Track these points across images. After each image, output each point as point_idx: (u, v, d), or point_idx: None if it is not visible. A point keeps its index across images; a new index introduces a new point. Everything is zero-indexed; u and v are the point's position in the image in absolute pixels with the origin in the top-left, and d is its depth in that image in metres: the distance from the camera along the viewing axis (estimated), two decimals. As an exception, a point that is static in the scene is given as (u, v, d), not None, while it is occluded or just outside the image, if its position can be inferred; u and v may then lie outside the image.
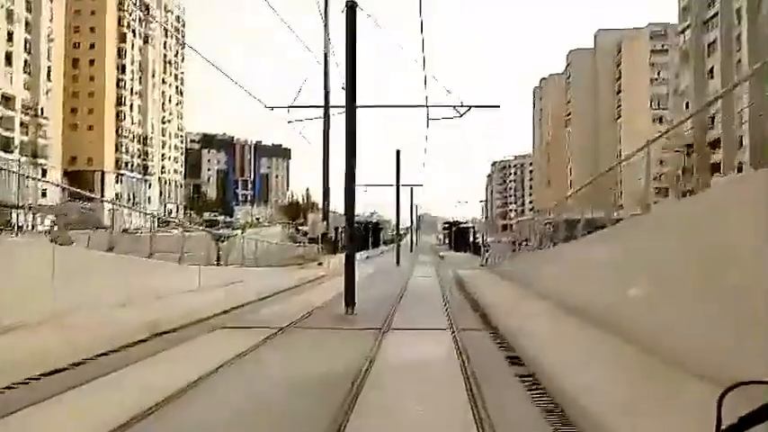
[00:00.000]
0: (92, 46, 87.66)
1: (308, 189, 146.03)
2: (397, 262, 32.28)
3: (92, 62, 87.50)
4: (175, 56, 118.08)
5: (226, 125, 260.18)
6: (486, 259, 31.71)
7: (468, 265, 31.79)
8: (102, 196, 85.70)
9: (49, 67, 72.89)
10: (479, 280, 19.87)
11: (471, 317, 12.03)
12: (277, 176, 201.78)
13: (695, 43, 64.42)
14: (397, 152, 30.39)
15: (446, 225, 67.83)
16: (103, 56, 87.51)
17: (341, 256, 38.98)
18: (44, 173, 73.60)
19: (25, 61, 68.50)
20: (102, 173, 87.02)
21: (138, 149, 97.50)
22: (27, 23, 68.79)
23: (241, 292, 14.82)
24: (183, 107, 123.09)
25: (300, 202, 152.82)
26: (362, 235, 60.46)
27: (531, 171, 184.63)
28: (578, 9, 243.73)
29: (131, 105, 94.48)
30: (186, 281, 14.21)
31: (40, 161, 71.58)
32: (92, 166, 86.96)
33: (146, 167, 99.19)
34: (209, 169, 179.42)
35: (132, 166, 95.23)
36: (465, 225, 52.75)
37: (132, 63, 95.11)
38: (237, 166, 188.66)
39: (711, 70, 60.49)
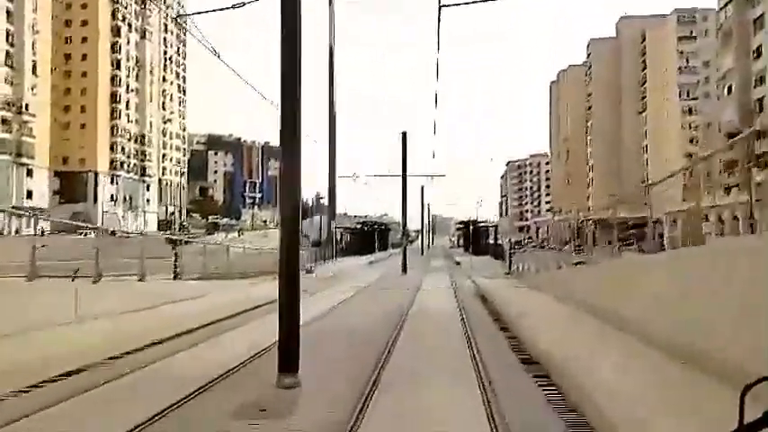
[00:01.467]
0: (84, 40, 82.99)
1: (318, 192, 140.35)
2: (404, 269, 26.68)
3: (84, 57, 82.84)
4: (177, 52, 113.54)
5: (233, 126, 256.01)
6: (513, 266, 25.95)
7: (490, 273, 26.10)
8: (95, 198, 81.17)
9: (34, 62, 68.19)
10: (513, 296, 14.16)
11: (519, 377, 6.47)
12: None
13: (737, 20, 58.00)
14: (403, 135, 24.81)
15: (460, 225, 61.61)
16: (96, 50, 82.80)
17: (340, 264, 33.41)
18: (29, 173, 69.00)
19: (6, 53, 63.74)
20: (96, 174, 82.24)
21: (136, 149, 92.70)
22: (8, 13, 64.07)
23: (126, 328, 9.19)
24: (186, 106, 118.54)
25: (310, 203, 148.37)
26: (369, 237, 54.96)
27: (547, 171, 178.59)
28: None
29: (127, 103, 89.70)
30: (46, 308, 8.69)
31: (25, 161, 66.80)
32: (84, 166, 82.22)
33: (143, 168, 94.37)
34: (215, 171, 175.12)
35: (129, 166, 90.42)
36: (483, 224, 46.80)
37: (128, 59, 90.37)
38: (245, 168, 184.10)
39: (758, 49, 54.12)
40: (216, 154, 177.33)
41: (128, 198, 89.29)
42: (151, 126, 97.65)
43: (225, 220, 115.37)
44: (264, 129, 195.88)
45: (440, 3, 10.60)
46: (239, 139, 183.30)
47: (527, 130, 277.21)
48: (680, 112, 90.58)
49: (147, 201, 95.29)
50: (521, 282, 19.72)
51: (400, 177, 25.61)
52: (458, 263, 37.13)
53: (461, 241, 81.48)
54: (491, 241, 44.25)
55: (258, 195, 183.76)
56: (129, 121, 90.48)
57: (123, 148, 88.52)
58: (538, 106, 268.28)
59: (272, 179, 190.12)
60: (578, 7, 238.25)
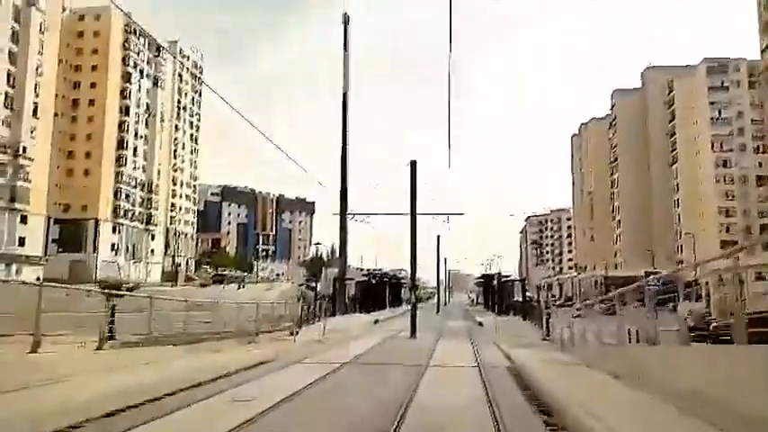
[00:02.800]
0: (92, 85, 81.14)
1: (333, 244, 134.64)
2: (413, 332, 21.35)
3: (92, 102, 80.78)
4: (191, 102, 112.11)
5: (247, 178, 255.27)
6: (550, 329, 20.62)
7: (521, 338, 20.76)
8: (95, 247, 77.25)
9: (35, 104, 65.70)
10: (565, 379, 8.95)
11: None
12: (300, 231, 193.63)
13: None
14: (413, 163, 20.06)
15: (480, 279, 55.90)
16: (104, 96, 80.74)
17: (340, 321, 28.16)
18: (23, 219, 65.39)
19: (6, 94, 61.23)
20: (96, 221, 78.59)
21: (142, 197, 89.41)
22: (11, 54, 61.97)
23: None
24: (198, 155, 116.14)
25: (325, 257, 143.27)
26: (379, 292, 49.64)
27: (569, 227, 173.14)
28: (607, 51, 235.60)
29: (135, 150, 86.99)
30: None
31: (18, 206, 63.25)
32: (86, 214, 78.74)
33: (149, 217, 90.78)
34: (229, 223, 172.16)
35: (133, 214, 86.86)
36: (507, 278, 41.22)
37: (138, 105, 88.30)
38: (259, 220, 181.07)
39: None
40: (230, 205, 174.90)
41: (130, 248, 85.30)
42: (159, 174, 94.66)
43: (237, 272, 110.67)
44: (279, 181, 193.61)
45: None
46: (254, 190, 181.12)
47: (547, 185, 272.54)
48: (713, 165, 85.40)
49: (152, 251, 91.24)
50: (567, 353, 14.41)
51: (416, 215, 20.64)
52: (480, 323, 31.61)
53: (481, 298, 75.46)
54: (518, 298, 38.65)
55: (271, 248, 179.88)
56: (135, 168, 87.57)
57: (128, 196, 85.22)
58: (558, 160, 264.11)
59: (285, 232, 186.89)
60: (597, 59, 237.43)
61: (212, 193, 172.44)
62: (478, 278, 57.11)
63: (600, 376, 9.72)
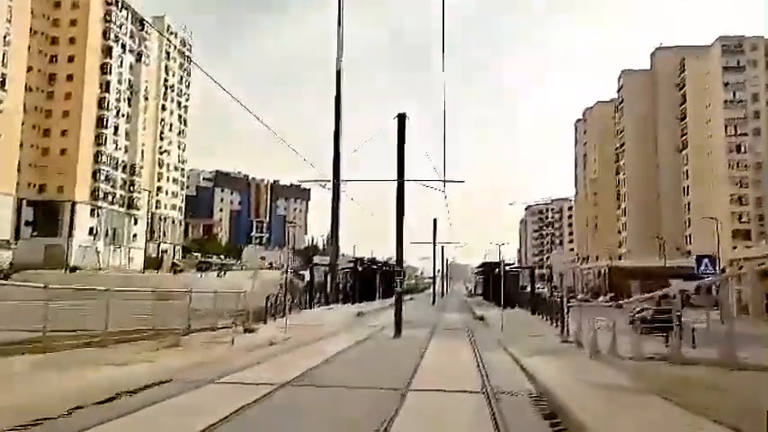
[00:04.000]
0: (70, 59, 76.27)
1: (328, 233, 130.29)
2: (397, 330, 16.85)
3: (69, 77, 75.92)
4: (179, 81, 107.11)
5: (241, 163, 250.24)
6: (567, 327, 16.29)
7: (533, 337, 16.45)
8: (71, 231, 72.78)
9: (3, 75, 60.96)
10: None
11: None
12: (295, 218, 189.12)
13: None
14: (401, 117, 15.65)
15: (480, 269, 51.20)
16: (83, 70, 75.87)
17: (319, 314, 23.80)
18: (-10, 200, 60.90)
19: (-32, 65, 56.62)
20: (73, 203, 73.99)
21: (123, 179, 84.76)
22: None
23: None
24: (187, 137, 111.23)
25: (321, 247, 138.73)
26: (370, 281, 45.26)
27: (570, 216, 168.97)
28: (607, 35, 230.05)
29: (116, 128, 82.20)
30: None
31: (-16, 185, 58.82)
32: (62, 195, 74.16)
33: (131, 200, 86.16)
34: (221, 209, 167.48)
35: (114, 197, 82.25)
36: (514, 266, 36.78)
37: (120, 82, 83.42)
38: (252, 207, 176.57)
39: None
40: (223, 191, 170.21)
41: (110, 232, 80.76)
42: (143, 155, 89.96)
43: (229, 260, 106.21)
44: (274, 167, 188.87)
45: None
46: (247, 176, 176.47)
47: (548, 175, 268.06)
48: (726, 150, 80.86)
49: (134, 236, 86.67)
50: (605, 365, 10.06)
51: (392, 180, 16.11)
52: (480, 317, 27.20)
53: (480, 288, 71.14)
54: (520, 289, 34.18)
55: (265, 235, 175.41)
56: (117, 149, 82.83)
57: (108, 177, 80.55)
58: (559, 150, 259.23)
59: (280, 219, 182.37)
60: (603, 43, 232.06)
61: (204, 179, 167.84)
62: (478, 267, 52.54)
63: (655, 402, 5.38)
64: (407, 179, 16.32)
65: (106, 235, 79.75)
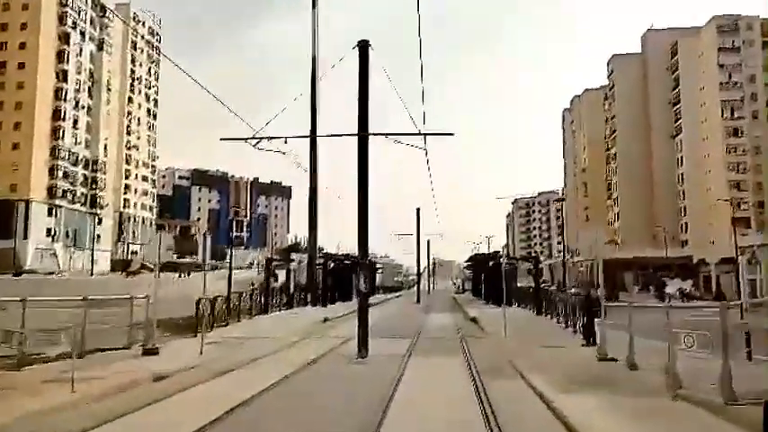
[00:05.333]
0: (22, 46, 70.43)
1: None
2: (362, 345, 11.80)
3: (21, 66, 70.10)
4: (148, 73, 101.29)
5: (220, 161, 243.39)
6: (596, 335, 11.57)
7: (551, 349, 11.79)
8: (26, 232, 67.03)
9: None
10: None
11: None
12: (277, 216, 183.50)
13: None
14: (363, 44, 11.04)
15: (470, 262, 46.15)
16: (36, 59, 70.06)
17: (263, 322, 18.88)
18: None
19: None
20: (27, 202, 68.21)
21: (85, 176, 78.97)
22: None
23: None
24: (158, 132, 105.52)
25: (304, 245, 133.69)
26: (343, 278, 40.30)
27: (558, 209, 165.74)
28: (594, 21, 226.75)
29: (75, 121, 76.41)
30: None
31: None
32: (16, 194, 68.36)
33: (94, 198, 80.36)
34: (199, 209, 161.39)
35: (74, 195, 76.46)
36: (510, 258, 31.72)
37: (80, 71, 77.61)
38: (232, 206, 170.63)
39: None
40: (200, 190, 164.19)
41: (71, 233, 74.96)
42: (106, 150, 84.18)
43: (190, 258, 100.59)
44: (254, 164, 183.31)
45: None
46: (226, 174, 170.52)
47: (535, 170, 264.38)
48: (723, 135, 77.05)
49: (98, 237, 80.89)
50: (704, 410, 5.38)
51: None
52: (473, 319, 22.45)
53: (468, 285, 66.62)
54: (518, 285, 29.33)
55: (246, 235, 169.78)
56: (76, 143, 77.01)
57: (67, 174, 74.73)
58: (546, 145, 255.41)
59: (260, 218, 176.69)
60: (590, 30, 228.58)
61: (181, 177, 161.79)
62: (468, 260, 47.63)
63: None
64: (374, 132, 11.53)
65: (67, 236, 73.99)
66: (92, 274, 64.80)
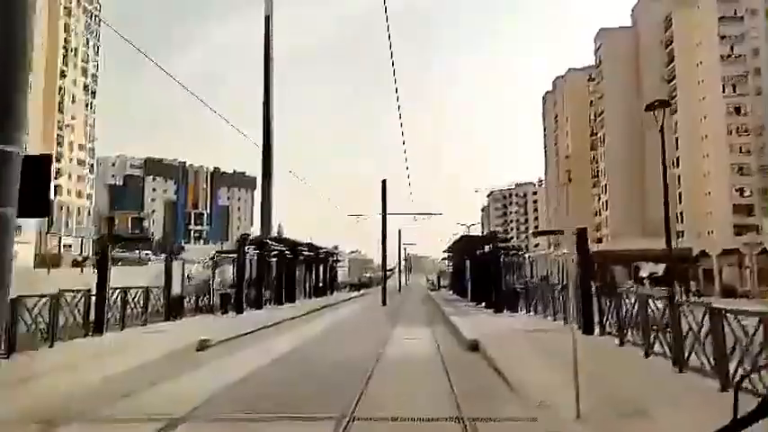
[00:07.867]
0: None
1: (279, 224, 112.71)
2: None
3: None
4: (85, 45, 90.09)
5: (177, 150, 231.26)
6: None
7: None
8: None
9: None
10: None
11: None
12: (240, 209, 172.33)
13: None
14: None
15: (450, 252, 36.54)
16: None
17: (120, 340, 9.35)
18: None
19: None
20: None
21: (0, 157, 67.77)
22: None
23: None
24: (97, 112, 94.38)
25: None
26: (292, 273, 30.98)
27: (535, 201, 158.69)
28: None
29: (-14, 92, 65.15)
30: None
31: None
32: None
33: (12, 183, 69.19)
34: (153, 200, 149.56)
35: (-14, 179, 65.27)
36: (513, 244, 23.24)
37: (-7, 34, 66.29)
38: (190, 197, 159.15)
39: None
40: (154, 180, 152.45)
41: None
42: (29, 128, 72.91)
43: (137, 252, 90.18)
44: (215, 152, 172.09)
45: None
46: (184, 163, 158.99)
47: (513, 161, 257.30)
48: (724, 113, 69.58)
49: (18, 227, 69.70)
50: None
51: None
52: (473, 346, 12.88)
53: (444, 280, 57.64)
54: (519, 283, 20.30)
55: (206, 228, 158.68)
56: (-12, 118, 65.75)
57: (-25, 153, 63.53)
58: (524, 136, 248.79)
59: (222, 210, 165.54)
60: (576, 9, 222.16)
61: (132, 166, 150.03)
62: (449, 248, 37.83)
63: None
64: None
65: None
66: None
